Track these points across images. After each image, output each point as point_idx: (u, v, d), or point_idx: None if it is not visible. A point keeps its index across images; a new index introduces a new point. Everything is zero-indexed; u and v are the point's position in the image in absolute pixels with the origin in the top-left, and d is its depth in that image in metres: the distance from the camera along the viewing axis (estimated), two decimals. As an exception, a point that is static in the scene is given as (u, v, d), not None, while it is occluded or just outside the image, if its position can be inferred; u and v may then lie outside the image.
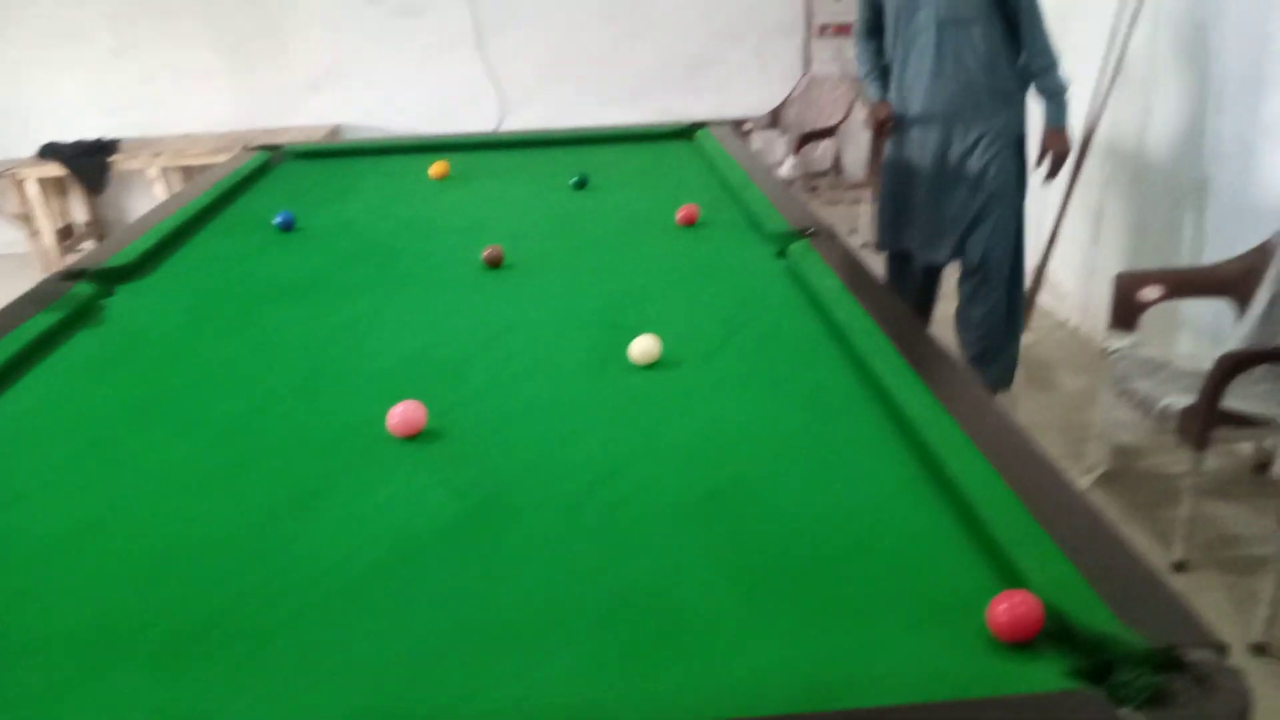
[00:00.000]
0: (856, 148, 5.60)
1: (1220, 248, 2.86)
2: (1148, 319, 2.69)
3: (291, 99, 5.66)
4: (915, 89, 3.02)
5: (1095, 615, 0.93)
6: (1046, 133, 3.01)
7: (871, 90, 3.17)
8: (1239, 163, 2.89)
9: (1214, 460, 2.76)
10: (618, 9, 5.65)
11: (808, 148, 5.16)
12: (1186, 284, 2.73)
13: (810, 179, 5.33)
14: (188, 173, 5.42)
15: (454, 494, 1.30)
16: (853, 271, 2.00)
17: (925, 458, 1.31)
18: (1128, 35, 3.34)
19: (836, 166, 5.25)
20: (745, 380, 1.62)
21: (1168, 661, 0.86)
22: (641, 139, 3.53)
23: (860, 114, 5.42)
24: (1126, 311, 2.68)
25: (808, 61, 5.65)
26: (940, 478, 1.25)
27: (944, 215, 3.09)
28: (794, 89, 5.56)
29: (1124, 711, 0.82)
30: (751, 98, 5.67)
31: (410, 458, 1.41)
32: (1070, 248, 3.83)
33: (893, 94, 3.12)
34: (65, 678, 0.99)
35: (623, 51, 5.71)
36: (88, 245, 5.61)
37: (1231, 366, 2.26)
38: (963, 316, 3.19)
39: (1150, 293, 2.65)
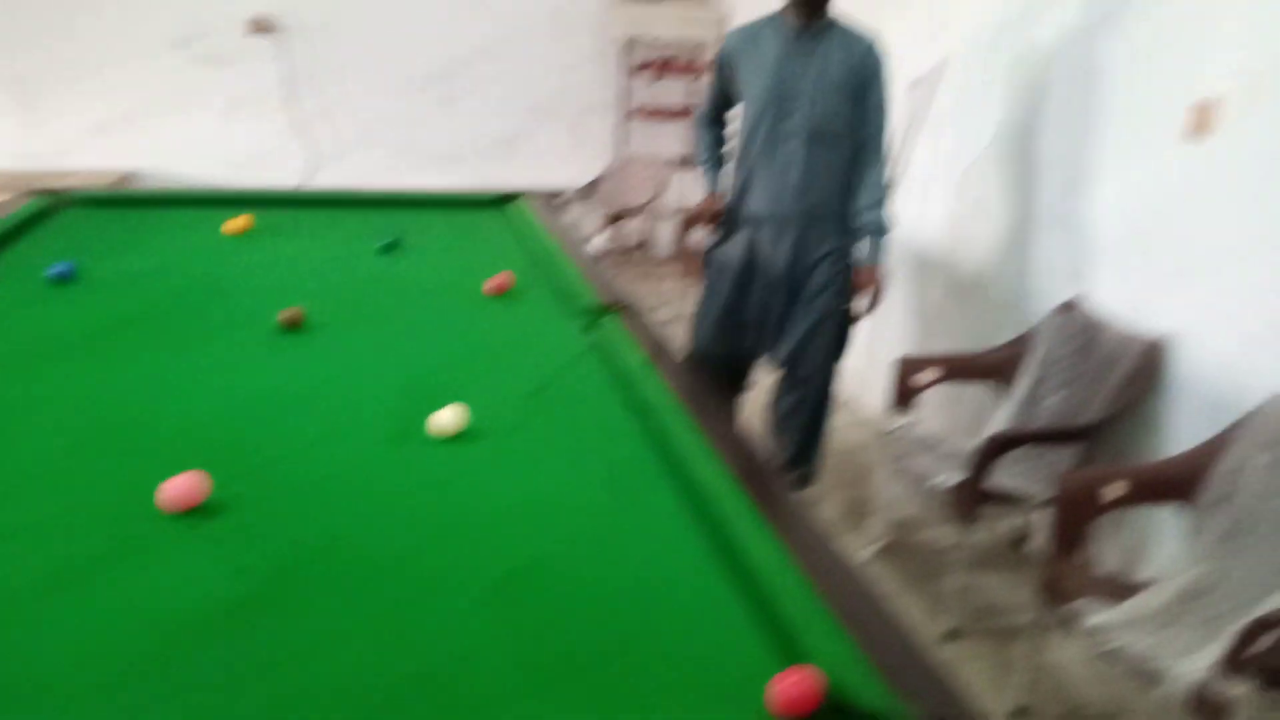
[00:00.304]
0: (666, 226, 5.81)
1: (990, 335, 3.13)
2: (925, 400, 2.90)
3: (78, 142, 5.31)
4: (771, 191, 2.85)
5: (871, 690, 0.99)
6: (864, 270, 2.91)
7: (708, 179, 3.05)
8: (1009, 257, 3.18)
9: (981, 534, 2.98)
10: (434, 78, 5.67)
11: (620, 224, 5.30)
12: (960, 369, 2.96)
13: (621, 254, 5.46)
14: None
15: (237, 574, 1.23)
16: (658, 348, 2.06)
17: (718, 536, 1.35)
18: (908, 139, 3.65)
19: (646, 243, 5.40)
20: (549, 455, 1.63)
21: (934, 732, 0.92)
22: (455, 205, 3.53)
23: (671, 195, 5.64)
24: (905, 393, 2.88)
25: (621, 141, 5.84)
26: (731, 556, 1.30)
27: (779, 321, 2.97)
28: (608, 166, 5.72)
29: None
30: (566, 172, 5.79)
31: (189, 534, 1.32)
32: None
33: (735, 188, 2.96)
34: None
35: (438, 118, 5.71)
36: None
37: (995, 446, 2.47)
38: (783, 422, 3.06)
39: (927, 376, 2.87)
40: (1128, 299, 2.64)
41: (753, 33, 2.83)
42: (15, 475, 1.48)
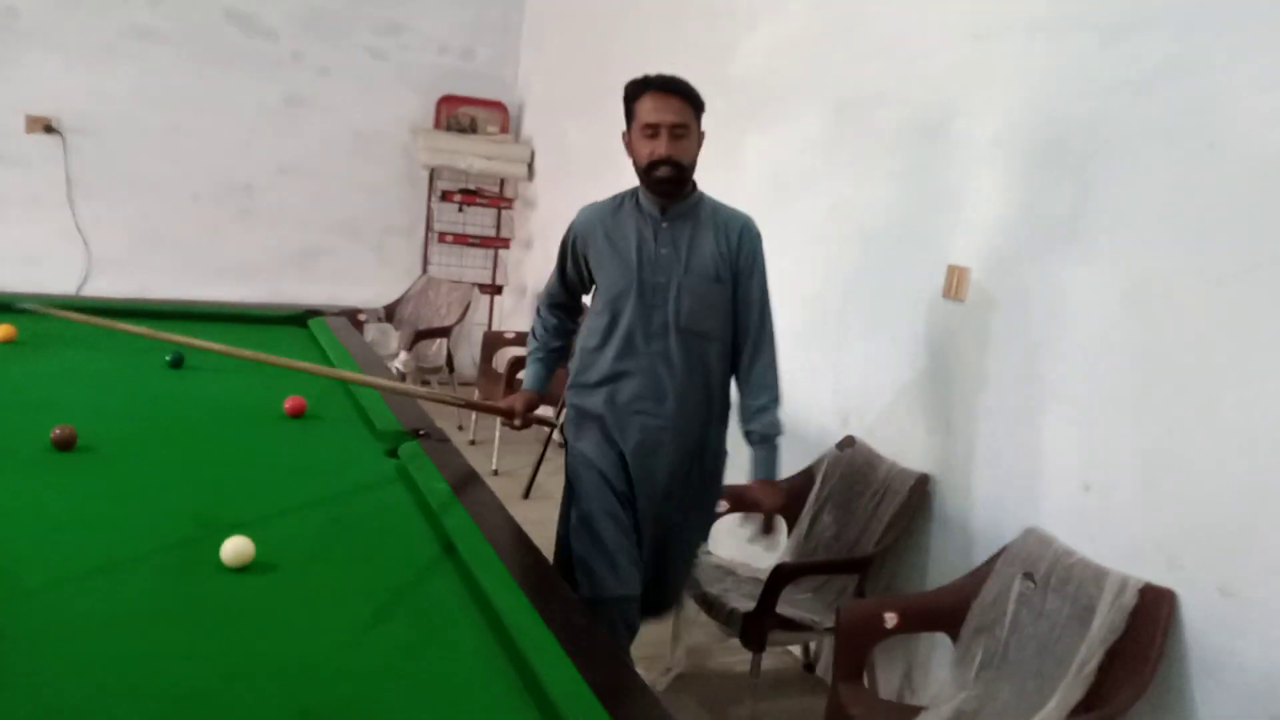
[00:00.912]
0: (470, 346, 5.82)
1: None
2: (720, 528, 3.01)
3: None
4: (636, 394, 2.35)
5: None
6: (763, 485, 2.42)
7: (531, 373, 2.55)
8: (790, 400, 3.39)
9: (772, 659, 3.07)
10: (234, 188, 5.53)
11: (422, 344, 5.27)
12: (747, 502, 3.10)
13: (423, 374, 5.41)
14: None
15: (-10, 723, 1.12)
16: (461, 475, 2.06)
17: (522, 669, 1.35)
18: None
19: (449, 364, 5.39)
20: (348, 589, 1.58)
21: None
22: (251, 321, 3.42)
23: (475, 317, 5.67)
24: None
25: (426, 262, 5.86)
26: (535, 689, 1.30)
27: (653, 549, 2.47)
28: (411, 286, 5.71)
29: None
30: (368, 290, 5.73)
31: (-66, 679, 1.19)
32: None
33: (586, 381, 2.43)
34: None
35: (235, 229, 5.55)
36: None
37: (781, 576, 2.58)
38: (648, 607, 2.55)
39: (720, 507, 2.98)
40: (896, 440, 2.88)
41: (608, 210, 2.41)
42: None
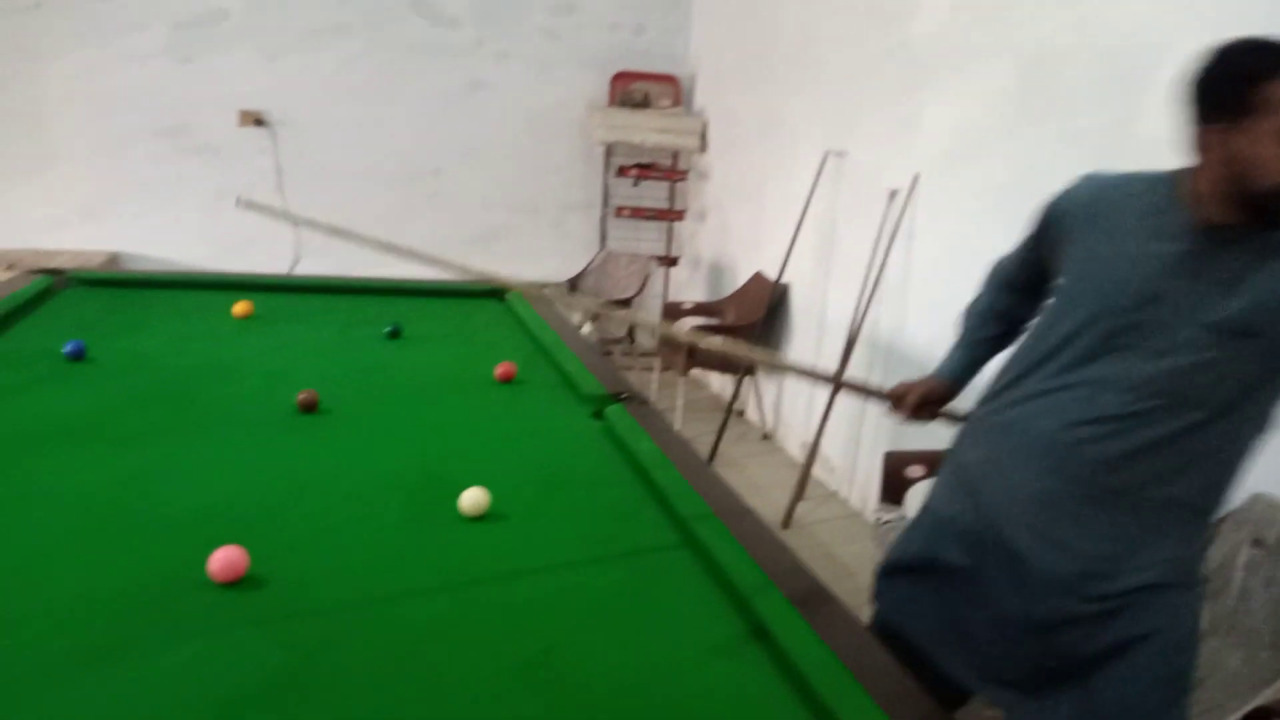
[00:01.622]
0: (649, 318, 5.93)
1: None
2: (913, 493, 2.98)
3: (63, 222, 5.36)
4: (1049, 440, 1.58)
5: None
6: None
7: (947, 360, 2.00)
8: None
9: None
10: (422, 173, 5.82)
11: (603, 317, 5.41)
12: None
13: (606, 346, 5.56)
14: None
15: (273, 649, 1.25)
16: (665, 435, 2.12)
17: (747, 618, 1.39)
18: (888, 248, 3.81)
19: (631, 335, 5.50)
20: (569, 537, 1.66)
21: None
22: (452, 295, 3.60)
23: (653, 289, 5.77)
24: (894, 486, 2.95)
25: (604, 237, 5.99)
26: (760, 634, 1.34)
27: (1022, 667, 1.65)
28: (591, 261, 5.86)
29: None
30: (549, 265, 5.92)
31: (222, 610, 1.34)
32: (839, 424, 4.19)
33: (996, 404, 1.72)
34: None
35: (424, 210, 5.84)
36: None
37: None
38: None
39: (914, 470, 2.95)
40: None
41: (1124, 192, 1.63)
42: (41, 554, 1.48)
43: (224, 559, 1.39)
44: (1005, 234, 3.12)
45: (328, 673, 1.21)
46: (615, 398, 2.36)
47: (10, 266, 3.39)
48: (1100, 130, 2.78)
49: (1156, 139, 2.60)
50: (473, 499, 1.68)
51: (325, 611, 1.36)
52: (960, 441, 1.82)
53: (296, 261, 5.59)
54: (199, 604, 1.35)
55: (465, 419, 2.27)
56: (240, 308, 3.00)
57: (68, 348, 2.39)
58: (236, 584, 1.39)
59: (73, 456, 1.86)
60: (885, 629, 1.83)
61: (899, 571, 1.86)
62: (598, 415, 2.29)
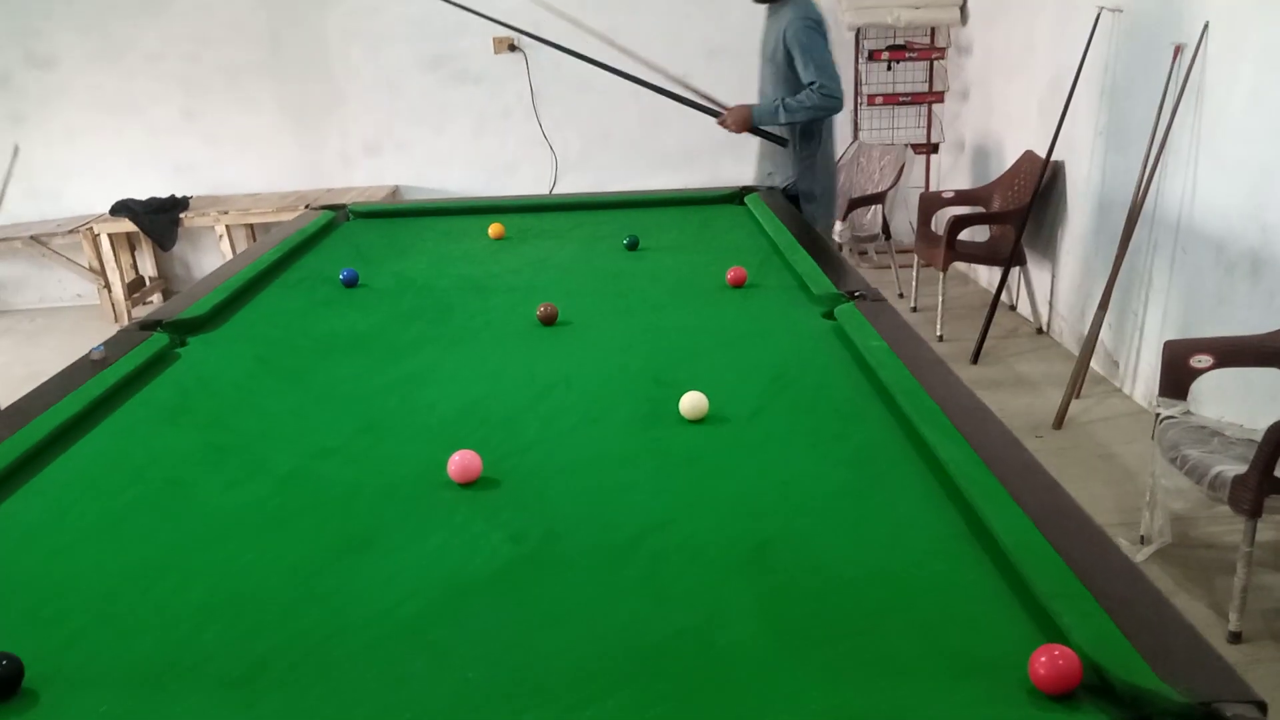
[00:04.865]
0: (906, 211, 5.66)
1: (1272, 318, 2.85)
2: (1199, 387, 2.68)
3: (352, 160, 5.88)
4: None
5: (1134, 670, 0.95)
6: (739, 107, 3.86)
7: None
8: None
9: (1270, 530, 2.71)
10: (668, 79, 5.79)
11: (857, 212, 5.22)
12: (1236, 353, 2.71)
13: (859, 243, 5.38)
14: (252, 230, 5.63)
15: (506, 541, 1.35)
16: (899, 334, 2.04)
17: (969, 515, 1.33)
18: (1174, 110, 3.37)
19: (885, 231, 5.29)
20: (791, 437, 1.66)
21: (1206, 717, 0.88)
22: (692, 203, 3.62)
23: (910, 180, 5.48)
24: (1177, 379, 2.67)
25: (855, 129, 5.74)
26: (983, 535, 1.28)
27: None
28: (843, 155, 5.64)
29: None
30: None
31: (464, 506, 1.46)
32: (1120, 315, 3.83)
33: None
34: (124, 711, 1.04)
35: (672, 121, 5.83)
36: (155, 299, 5.82)
37: (1283, 435, 2.24)
38: None
39: (1200, 361, 2.65)
40: None
41: None
42: (323, 451, 1.68)
43: (459, 464, 1.51)
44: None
45: (551, 565, 1.30)
46: (848, 297, 2.29)
47: (308, 205, 3.77)
48: None
49: None
50: (691, 403, 1.70)
51: (553, 508, 1.45)
52: None
53: (555, 181, 5.81)
54: (441, 501, 1.48)
55: (697, 324, 2.29)
56: (494, 230, 3.18)
57: (343, 274, 2.65)
58: (473, 484, 1.51)
59: (352, 365, 2.10)
60: None
61: None
62: (829, 315, 2.23)
